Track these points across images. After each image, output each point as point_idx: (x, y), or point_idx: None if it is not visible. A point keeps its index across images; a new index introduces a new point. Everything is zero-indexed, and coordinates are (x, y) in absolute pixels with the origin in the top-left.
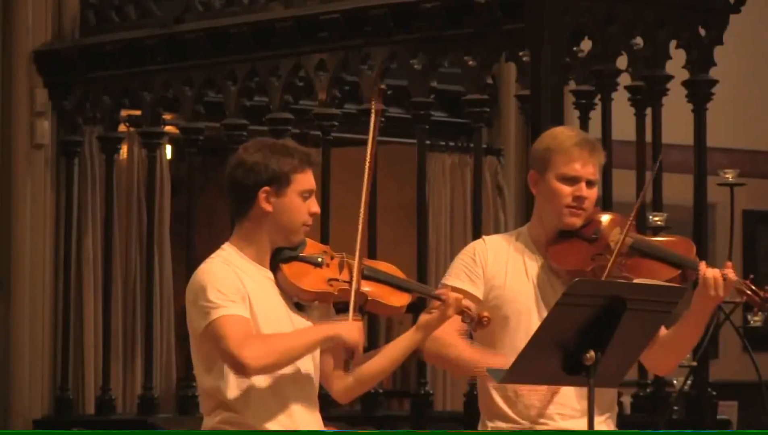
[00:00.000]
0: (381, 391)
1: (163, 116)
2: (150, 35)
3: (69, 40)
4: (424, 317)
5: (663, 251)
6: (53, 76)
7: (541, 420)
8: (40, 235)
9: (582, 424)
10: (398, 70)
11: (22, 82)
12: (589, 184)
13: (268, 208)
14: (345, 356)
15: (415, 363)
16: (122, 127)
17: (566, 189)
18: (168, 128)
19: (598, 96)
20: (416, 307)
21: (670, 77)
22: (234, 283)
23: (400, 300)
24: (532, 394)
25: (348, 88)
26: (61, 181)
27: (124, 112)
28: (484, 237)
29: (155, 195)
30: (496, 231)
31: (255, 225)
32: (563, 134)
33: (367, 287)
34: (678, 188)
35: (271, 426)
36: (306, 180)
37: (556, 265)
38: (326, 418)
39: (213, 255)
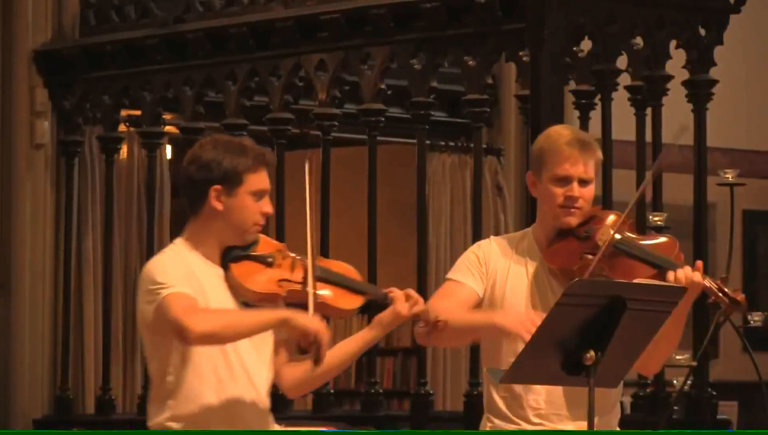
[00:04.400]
0: (381, 391)
1: (163, 116)
2: (150, 35)
3: (69, 40)
4: (378, 316)
5: (643, 251)
6: (53, 76)
7: (537, 421)
8: (40, 235)
9: (572, 427)
10: (398, 70)
11: (22, 82)
12: (582, 182)
13: (219, 206)
14: (313, 350)
15: (416, 363)
16: (122, 127)
17: (558, 190)
18: (168, 128)
19: (598, 96)
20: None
21: (670, 77)
22: (184, 271)
23: (350, 303)
24: (528, 394)
25: (348, 88)
26: (61, 181)
27: (124, 112)
28: (492, 237)
29: (155, 195)
30: (496, 231)
31: (206, 223)
32: (556, 134)
33: (318, 290)
34: (678, 188)
35: (215, 424)
36: (259, 180)
37: (548, 265)
38: (326, 419)
39: (164, 249)
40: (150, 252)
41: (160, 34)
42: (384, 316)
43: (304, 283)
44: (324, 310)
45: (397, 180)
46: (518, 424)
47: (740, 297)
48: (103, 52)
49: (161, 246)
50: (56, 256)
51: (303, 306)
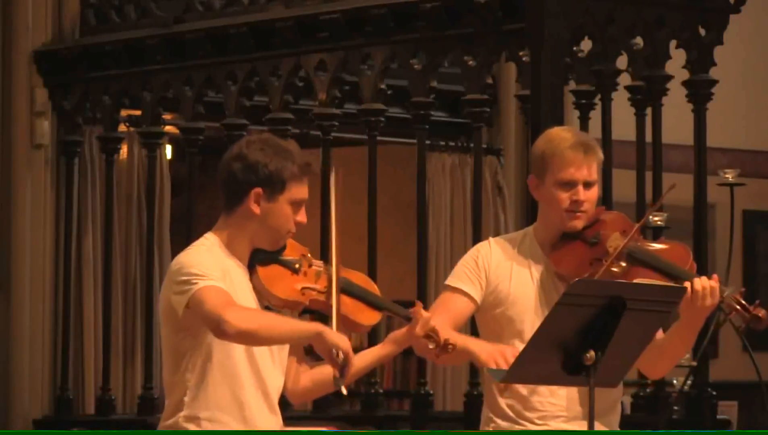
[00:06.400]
0: (381, 391)
1: (163, 116)
2: (150, 35)
3: (69, 40)
4: (393, 333)
5: (658, 261)
6: (53, 76)
7: (539, 421)
8: (40, 235)
9: (574, 428)
10: (398, 70)
11: (22, 82)
12: (587, 185)
13: (257, 210)
14: (338, 368)
15: (415, 363)
16: (122, 127)
17: (563, 194)
18: (168, 128)
19: (598, 96)
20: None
21: (670, 77)
22: (218, 267)
23: (369, 319)
24: (533, 395)
25: (348, 88)
26: (61, 181)
27: (124, 112)
28: (490, 239)
29: (155, 195)
30: (496, 231)
31: (240, 222)
32: (558, 137)
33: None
34: (678, 188)
35: (228, 426)
36: (301, 190)
37: (556, 269)
38: (326, 419)
39: (196, 243)
40: (150, 252)
41: (160, 34)
42: (398, 333)
43: (327, 293)
44: (344, 323)
45: (397, 180)
46: (522, 425)
47: (762, 313)
48: (103, 52)
49: (161, 246)
50: (56, 256)
51: (323, 315)
